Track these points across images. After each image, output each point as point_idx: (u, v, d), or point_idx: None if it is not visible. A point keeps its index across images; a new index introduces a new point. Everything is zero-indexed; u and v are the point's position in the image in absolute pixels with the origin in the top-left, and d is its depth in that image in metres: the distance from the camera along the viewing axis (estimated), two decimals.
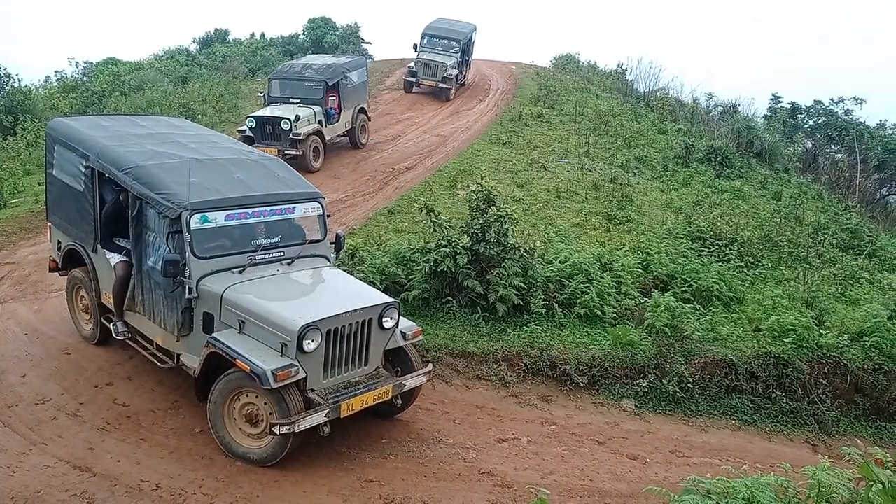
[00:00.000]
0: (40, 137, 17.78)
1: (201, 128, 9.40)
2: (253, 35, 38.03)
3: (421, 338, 6.81)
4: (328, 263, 6.97)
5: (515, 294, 8.60)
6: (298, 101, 15.09)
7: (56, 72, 27.45)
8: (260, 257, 6.44)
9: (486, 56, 30.85)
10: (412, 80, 22.63)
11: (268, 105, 15.32)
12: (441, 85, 22.03)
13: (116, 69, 29.46)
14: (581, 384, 7.95)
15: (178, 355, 6.41)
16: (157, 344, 6.67)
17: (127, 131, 7.59)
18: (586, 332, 8.59)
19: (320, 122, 15.06)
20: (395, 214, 12.45)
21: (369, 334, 6.07)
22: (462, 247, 8.68)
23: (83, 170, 7.11)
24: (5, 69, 21.36)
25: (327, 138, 15.32)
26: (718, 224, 12.05)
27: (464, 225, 9.05)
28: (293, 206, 6.77)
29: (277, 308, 5.81)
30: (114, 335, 7.05)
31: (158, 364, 6.65)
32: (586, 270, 9.20)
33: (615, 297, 9.08)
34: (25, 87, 22.18)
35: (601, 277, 9.16)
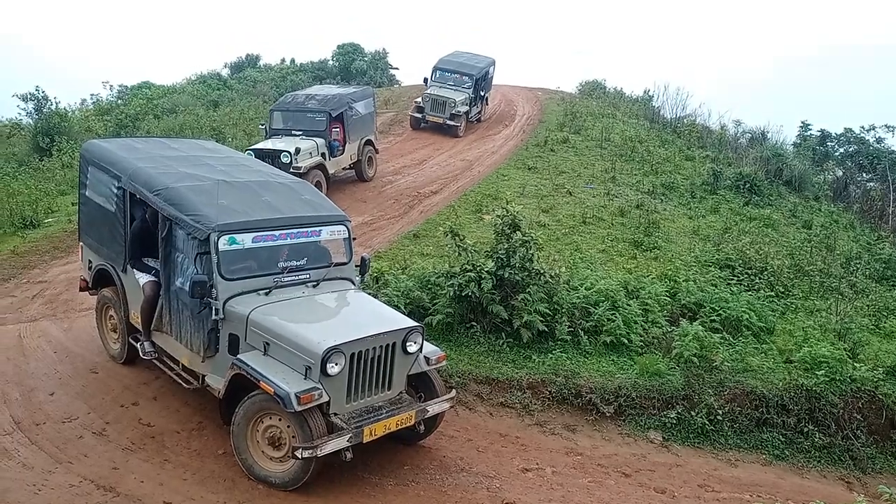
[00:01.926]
0: (75, 159, 18.18)
1: (231, 150, 9.53)
2: (283, 60, 38.74)
3: (445, 363, 6.75)
4: (353, 286, 6.98)
5: (540, 320, 8.52)
6: (301, 133, 14.55)
7: (91, 95, 28.21)
8: (286, 279, 6.46)
9: (512, 82, 31.09)
10: (418, 115, 21.65)
11: (269, 138, 14.82)
12: (448, 122, 21.01)
13: (150, 93, 30.14)
14: (607, 414, 7.82)
15: (204, 376, 6.43)
16: (182, 364, 6.70)
17: (158, 153, 7.72)
18: (612, 360, 8.47)
19: (323, 154, 14.52)
20: (420, 238, 12.46)
21: (393, 358, 6.04)
22: (487, 271, 8.63)
23: (115, 190, 7.24)
24: (43, 92, 21.94)
25: (331, 172, 14.79)
26: (748, 252, 11.88)
27: (489, 250, 9.02)
28: (319, 228, 6.80)
29: (302, 330, 5.82)
30: (141, 355, 7.09)
31: (184, 385, 6.67)
32: (612, 297, 9.10)
33: (642, 325, 8.96)
34: (62, 109, 22.76)
35: (628, 305, 9.05)
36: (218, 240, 6.03)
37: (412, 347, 6.13)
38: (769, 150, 21.42)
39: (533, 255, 8.78)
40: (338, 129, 15.14)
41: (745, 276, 11.16)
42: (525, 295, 8.58)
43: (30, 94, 22.00)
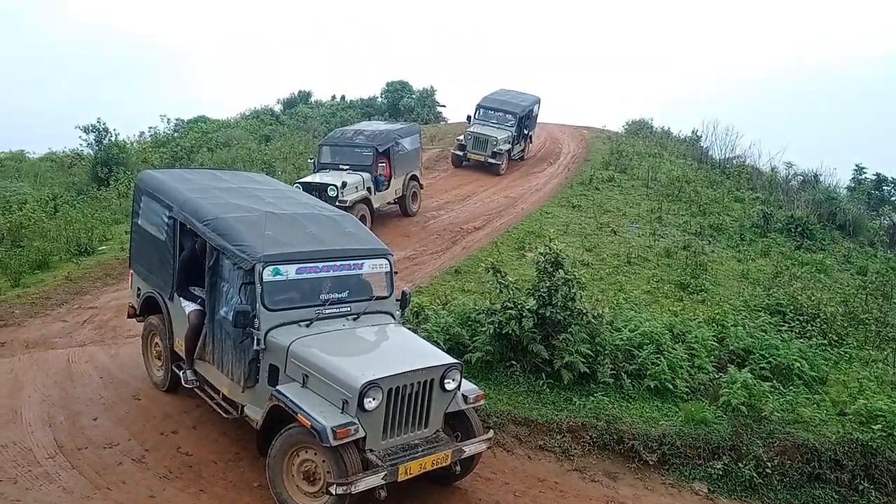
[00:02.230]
0: (131, 189, 18.79)
1: (279, 183, 9.71)
2: (334, 97, 39.73)
3: (483, 402, 6.63)
4: (393, 321, 6.95)
5: (582, 361, 8.35)
6: (348, 167, 14.80)
7: (150, 128, 29.22)
8: (327, 311, 6.47)
9: (557, 120, 31.18)
10: (460, 153, 21.72)
11: (317, 171, 15.12)
12: (490, 160, 21.06)
13: (205, 126, 31.13)
14: (650, 462, 7.56)
15: (243, 406, 6.44)
16: (223, 394, 6.74)
17: (209, 184, 7.90)
18: (656, 406, 8.21)
19: (369, 189, 14.75)
20: (462, 274, 12.44)
21: (431, 395, 5.96)
22: (528, 310, 8.53)
23: (166, 220, 7.40)
24: (104, 124, 22.78)
25: (375, 206, 15.00)
26: (799, 298, 11.49)
27: (530, 287, 8.93)
28: (362, 261, 6.82)
29: (340, 363, 5.79)
30: (183, 383, 7.16)
31: (223, 414, 6.71)
32: (657, 340, 8.87)
33: (688, 371, 8.69)
34: (121, 141, 23.62)
35: (673, 349, 8.81)
36: (262, 270, 6.09)
37: (450, 385, 6.05)
38: (822, 193, 20.92)
39: (575, 294, 8.65)
40: (384, 165, 15.35)
41: (797, 322, 10.78)
42: (567, 335, 8.44)
43: (91, 125, 22.87)
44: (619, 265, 13.55)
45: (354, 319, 6.60)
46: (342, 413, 5.47)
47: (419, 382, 5.84)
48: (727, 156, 25.39)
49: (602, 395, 8.16)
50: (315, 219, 7.21)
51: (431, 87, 38.09)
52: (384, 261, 6.99)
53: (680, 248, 14.75)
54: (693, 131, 30.08)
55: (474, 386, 6.50)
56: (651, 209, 17.95)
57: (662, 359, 8.57)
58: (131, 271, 8.45)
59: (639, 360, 8.61)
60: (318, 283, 6.54)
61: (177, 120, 31.68)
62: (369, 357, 6.28)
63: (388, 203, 16.10)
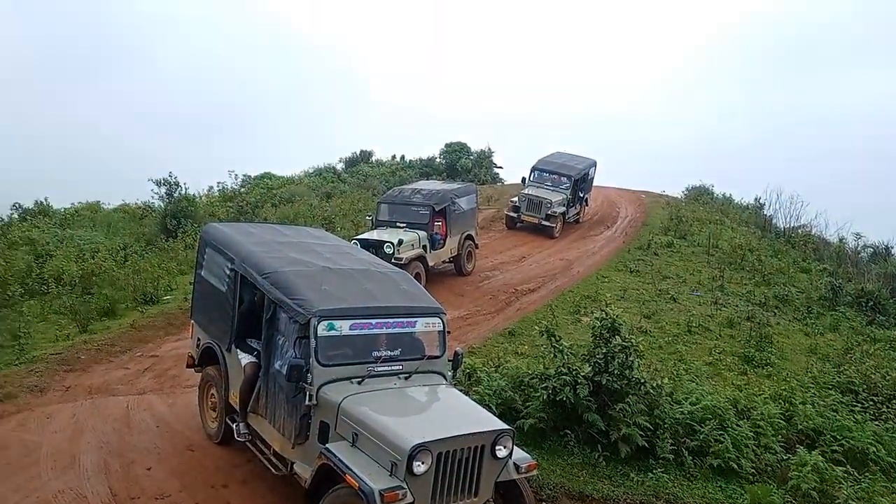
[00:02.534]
0: (197, 241, 19.47)
1: (338, 239, 9.87)
2: (394, 157, 40.57)
3: (535, 472, 6.42)
4: (445, 381, 6.85)
5: (640, 434, 8.04)
6: (405, 225, 15.04)
7: (218, 182, 30.29)
8: (379, 369, 6.43)
9: (615, 184, 31.09)
10: (514, 215, 21.81)
11: (374, 228, 15.43)
12: (544, 222, 21.07)
13: (270, 183, 32.13)
14: None
15: (293, 463, 6.40)
16: (274, 449, 6.71)
17: (270, 238, 8.06)
18: (720, 486, 7.80)
19: (424, 247, 14.90)
20: (516, 336, 12.29)
21: (481, 462, 5.77)
22: (583, 376, 8.32)
23: (228, 272, 7.54)
24: (175, 178, 23.84)
25: (430, 264, 15.12)
26: (873, 377, 10.90)
27: (586, 353, 8.73)
28: (415, 319, 6.76)
29: (390, 424, 5.70)
30: (235, 436, 7.16)
31: (273, 470, 6.66)
32: (720, 415, 8.48)
33: (753, 450, 8.25)
34: (190, 195, 24.60)
35: (737, 425, 8.40)
36: (317, 325, 6.11)
37: (501, 452, 5.85)
38: (894, 266, 20.02)
39: (633, 362, 8.40)
40: (440, 223, 15.54)
41: (871, 403, 10.19)
42: (624, 405, 8.17)
43: (163, 179, 23.98)
44: (678, 334, 13.18)
45: (406, 378, 6.53)
46: (390, 476, 5.36)
47: (470, 448, 5.68)
48: (792, 225, 24.75)
49: (662, 472, 7.82)
50: (370, 275, 7.25)
51: (489, 148, 38.58)
52: (437, 319, 6.93)
53: (743, 319, 14.28)
54: (756, 199, 29.55)
55: (526, 454, 6.29)
56: (712, 277, 17.53)
57: (726, 436, 8.18)
58: (192, 321, 8.60)
59: (701, 436, 8.24)
60: (371, 339, 6.53)
61: (244, 175, 32.81)
62: (420, 419, 6.17)
63: (444, 262, 16.20)
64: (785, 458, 8.23)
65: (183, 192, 23.84)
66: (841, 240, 23.48)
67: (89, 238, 20.36)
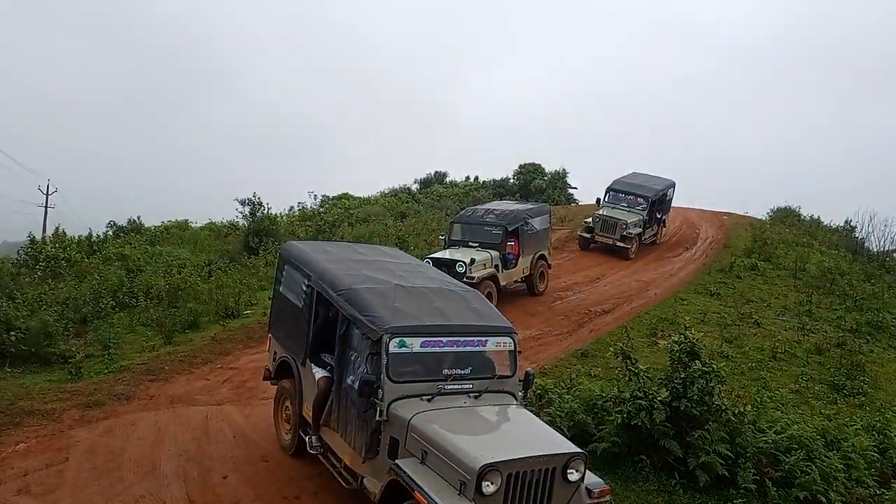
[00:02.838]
0: (276, 258, 20.08)
1: (410, 257, 9.94)
2: (468, 178, 40.87)
3: (608, 498, 6.18)
4: (515, 401, 6.75)
5: (720, 463, 7.68)
6: (477, 244, 15.05)
7: (299, 203, 31.33)
8: (449, 387, 6.40)
9: (695, 205, 30.21)
10: (587, 236, 21.53)
11: (447, 248, 15.49)
12: (619, 243, 20.68)
13: (348, 203, 32.97)
14: None
15: (363, 477, 6.43)
16: (344, 463, 6.77)
17: (346, 256, 8.22)
18: None
19: (496, 266, 14.87)
20: (589, 358, 12.03)
21: (552, 485, 5.63)
22: (660, 401, 8.03)
23: (304, 288, 7.72)
24: (259, 198, 24.74)
25: (502, 283, 15.04)
26: None
27: (663, 378, 8.44)
28: (486, 338, 6.74)
29: (460, 442, 5.65)
30: (308, 448, 7.26)
31: (343, 484, 6.72)
32: (807, 446, 8.00)
33: (843, 483, 7.74)
34: (272, 214, 25.48)
35: (826, 456, 7.90)
36: (389, 341, 6.15)
37: (573, 476, 5.70)
38: None
39: (713, 388, 8.07)
40: (513, 243, 15.49)
41: None
42: (703, 432, 7.84)
43: (248, 199, 24.95)
44: (762, 360, 12.60)
45: (476, 397, 6.48)
46: (459, 495, 5.30)
47: (540, 470, 5.56)
48: (886, 248, 23.29)
49: (743, 503, 7.42)
50: (442, 293, 7.26)
51: (564, 169, 38.28)
52: (509, 339, 6.87)
53: (833, 346, 13.53)
54: (846, 221, 28.09)
55: (599, 479, 6.11)
56: (799, 301, 16.70)
57: (814, 467, 7.70)
58: (270, 335, 8.83)
59: (786, 467, 7.79)
60: (442, 357, 6.53)
61: (323, 196, 33.80)
62: (490, 438, 6.10)
63: (516, 281, 16.08)
64: (879, 492, 7.68)
65: (265, 211, 24.71)
66: None
67: (177, 254, 21.36)
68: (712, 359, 8.96)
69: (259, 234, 22.57)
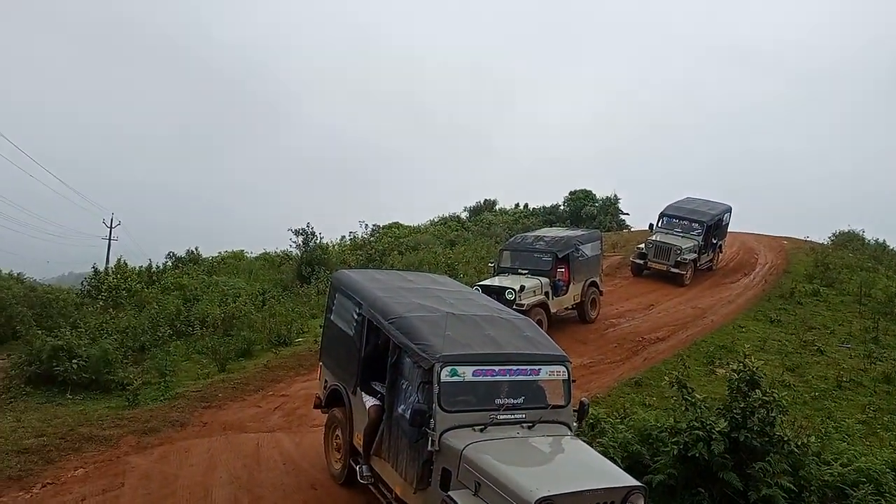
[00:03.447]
0: (328, 286, 20.35)
1: (460, 285, 9.92)
2: (517, 205, 40.80)
3: None
4: (569, 432, 6.59)
5: (783, 496, 7.32)
6: (527, 272, 14.93)
7: (350, 232, 31.76)
8: (501, 417, 6.27)
9: (753, 229, 29.42)
10: (640, 262, 21.13)
11: (496, 275, 15.40)
12: (673, 269, 20.23)
13: (398, 232, 33.29)
14: None
15: None
16: (395, 493, 6.65)
17: (396, 284, 8.20)
18: None
19: (547, 293, 14.71)
20: (643, 387, 11.74)
21: None
22: (718, 432, 7.73)
23: (356, 316, 7.69)
24: (312, 228, 25.17)
25: (553, 311, 14.87)
26: None
27: (721, 407, 8.14)
28: (539, 367, 6.61)
29: (514, 475, 5.47)
30: (358, 478, 7.15)
31: None
32: (876, 479, 7.57)
33: None
34: (324, 243, 25.90)
35: None
36: (441, 370, 6.04)
37: None
38: None
39: (775, 418, 7.74)
40: (563, 270, 15.28)
41: None
42: (764, 464, 7.50)
43: (301, 229, 25.40)
44: (827, 389, 12.08)
45: (529, 428, 6.33)
46: None
47: None
48: None
49: None
50: (493, 321, 7.17)
51: (615, 195, 37.86)
52: (562, 368, 6.73)
53: None
54: None
55: None
56: (865, 328, 15.99)
57: (883, 502, 7.29)
58: (321, 363, 8.82)
59: (854, 501, 7.38)
60: (494, 386, 6.39)
61: (373, 225, 34.20)
62: (545, 470, 5.95)
63: (566, 308, 15.85)
64: None
65: (318, 241, 25.12)
66: None
67: (232, 284, 21.88)
68: (773, 388, 8.61)
69: (311, 263, 22.98)
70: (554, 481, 5.37)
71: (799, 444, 7.78)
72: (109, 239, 40.83)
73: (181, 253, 28.57)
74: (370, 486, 7.15)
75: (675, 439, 7.97)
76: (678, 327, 15.95)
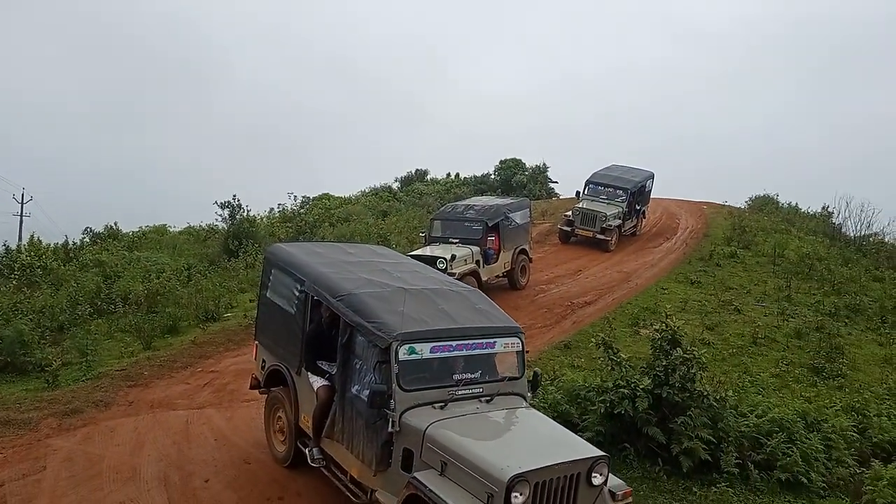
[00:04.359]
0: (258, 260, 19.90)
1: (402, 256, 9.59)
2: (449, 175, 40.83)
3: (630, 499, 5.92)
4: (525, 403, 6.50)
5: (703, 448, 7.72)
6: (458, 241, 14.98)
7: (279, 204, 31.00)
8: (460, 392, 6.10)
9: (675, 195, 30.43)
10: (568, 229, 21.59)
11: (427, 245, 15.42)
12: (599, 236, 20.77)
13: (328, 203, 32.75)
14: None
15: (373, 491, 6.06)
16: (351, 475, 6.39)
17: (338, 258, 7.75)
18: (788, 501, 7.44)
19: (478, 262, 14.79)
20: (572, 349, 12.06)
21: (576, 491, 5.37)
22: (642, 389, 8.07)
23: (297, 293, 7.26)
24: (238, 201, 24.44)
25: (484, 279, 14.96)
26: None
27: (645, 366, 8.49)
28: (494, 340, 6.46)
29: (484, 453, 5.34)
30: (309, 461, 6.85)
31: (352, 497, 6.33)
32: (788, 428, 8.09)
33: (824, 463, 7.85)
34: (252, 216, 25.21)
35: (807, 438, 8.00)
36: (398, 349, 5.84)
37: (597, 480, 5.45)
38: None
39: (695, 374, 8.12)
40: (493, 238, 15.41)
41: None
42: (685, 418, 7.88)
43: (227, 202, 24.62)
44: (743, 346, 12.72)
45: (488, 401, 6.18)
46: None
47: (565, 476, 5.32)
48: (863, 232, 23.61)
49: (726, 486, 7.48)
50: (444, 295, 6.92)
51: (544, 163, 38.38)
52: (516, 339, 6.59)
53: (812, 330, 13.68)
54: (824, 207, 28.39)
55: (621, 481, 5.92)
56: (779, 287, 16.89)
57: (795, 449, 7.80)
58: (256, 342, 8.36)
59: (767, 450, 7.88)
60: (451, 362, 6.21)
61: (303, 197, 33.54)
62: (513, 446, 5.75)
63: (497, 276, 16.02)
64: (859, 472, 7.80)
65: (245, 213, 24.44)
66: None
67: (155, 259, 21.08)
68: (693, 346, 9.02)
69: (238, 236, 22.34)
70: (523, 457, 5.27)
71: (717, 398, 8.20)
72: (21, 215, 38.79)
73: (99, 228, 27.34)
74: (323, 470, 6.81)
75: (602, 398, 8.26)
76: (605, 291, 16.41)
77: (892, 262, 20.76)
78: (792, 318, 14.56)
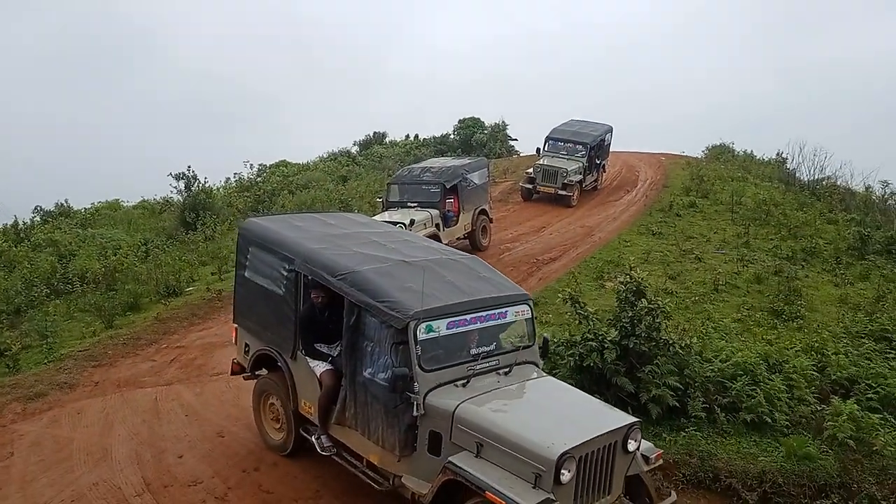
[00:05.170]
0: (216, 232, 19.54)
1: (386, 225, 9.31)
2: (408, 136, 40.35)
3: (661, 461, 6.01)
4: (538, 371, 6.41)
5: (671, 394, 7.93)
6: (416, 205, 14.73)
7: (235, 174, 30.27)
8: (478, 367, 5.94)
9: (633, 148, 30.63)
10: (530, 186, 21.39)
11: (385, 210, 15.11)
12: (560, 192, 20.69)
13: (286, 170, 32.13)
14: (750, 501, 7.03)
15: (397, 476, 5.85)
16: (367, 461, 6.17)
17: (322, 231, 7.41)
18: (754, 440, 7.69)
19: (437, 225, 14.61)
20: (539, 305, 12.14)
21: (614, 458, 5.39)
22: (610, 341, 8.20)
23: (285, 273, 6.83)
24: (193, 172, 23.79)
25: (445, 242, 14.28)
26: None
27: (611, 318, 8.61)
28: (506, 309, 6.27)
29: (523, 431, 5.20)
30: (318, 450, 6.55)
31: (374, 485, 6.08)
32: (752, 371, 8.35)
33: (787, 403, 8.12)
34: (208, 187, 24.61)
35: (769, 379, 8.26)
36: (416, 328, 5.58)
37: (632, 445, 5.48)
38: None
39: (660, 323, 8.28)
40: (452, 200, 15.23)
41: None
42: (652, 367, 8.05)
43: (182, 173, 23.94)
44: (705, 293, 12.98)
45: (507, 374, 6.04)
46: (535, 488, 4.89)
47: (605, 446, 5.31)
48: (816, 177, 24.18)
49: (694, 430, 7.72)
50: (447, 265, 6.66)
51: (503, 121, 38.16)
52: (525, 307, 6.43)
53: (771, 274, 14.03)
54: (778, 153, 28.90)
55: (651, 444, 5.98)
56: (737, 234, 17.25)
57: (758, 390, 8.06)
58: (235, 326, 7.86)
59: (732, 393, 8.12)
60: (467, 337, 6.01)
61: (259, 165, 32.83)
62: (552, 421, 5.50)
63: (458, 238, 15.86)
64: (819, 409, 8.09)
65: (201, 185, 23.83)
66: (867, 188, 22.91)
67: (111, 236, 20.57)
68: (657, 296, 9.19)
69: (195, 208, 21.82)
70: (566, 432, 5.17)
71: (682, 345, 8.39)
72: None
73: (50, 206, 26.45)
74: (334, 457, 6.52)
75: (571, 352, 8.38)
76: (569, 247, 16.55)
77: (845, 204, 21.34)
78: (751, 263, 14.90)
